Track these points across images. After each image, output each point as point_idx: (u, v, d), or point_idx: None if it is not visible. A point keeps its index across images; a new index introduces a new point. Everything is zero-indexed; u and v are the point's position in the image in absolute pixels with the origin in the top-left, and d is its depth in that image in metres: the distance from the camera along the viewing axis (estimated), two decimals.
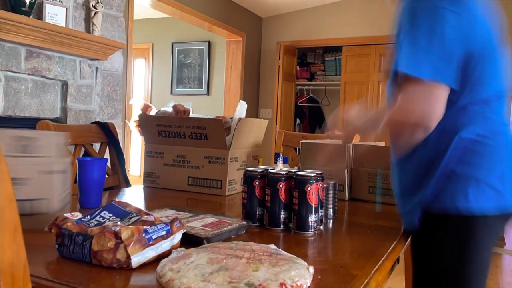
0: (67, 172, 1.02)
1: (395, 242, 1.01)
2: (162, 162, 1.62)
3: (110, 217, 0.85)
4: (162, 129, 1.61)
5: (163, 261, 0.72)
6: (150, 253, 0.75)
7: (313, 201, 1.02)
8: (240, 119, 1.54)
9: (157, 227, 0.76)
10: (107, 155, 1.77)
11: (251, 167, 1.15)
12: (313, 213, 1.02)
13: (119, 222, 0.81)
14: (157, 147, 1.64)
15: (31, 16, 2.39)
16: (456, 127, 1.04)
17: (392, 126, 1.07)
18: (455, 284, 1.06)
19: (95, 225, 0.79)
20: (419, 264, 1.13)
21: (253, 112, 5.22)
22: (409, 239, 1.14)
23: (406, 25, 1.01)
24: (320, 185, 1.05)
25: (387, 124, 1.07)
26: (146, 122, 1.64)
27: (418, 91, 0.99)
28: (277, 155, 1.58)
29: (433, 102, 0.98)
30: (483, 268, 1.08)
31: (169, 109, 1.68)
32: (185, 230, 0.83)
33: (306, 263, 0.72)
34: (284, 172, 1.06)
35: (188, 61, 5.63)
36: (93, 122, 1.81)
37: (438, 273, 1.08)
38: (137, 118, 1.68)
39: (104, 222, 0.82)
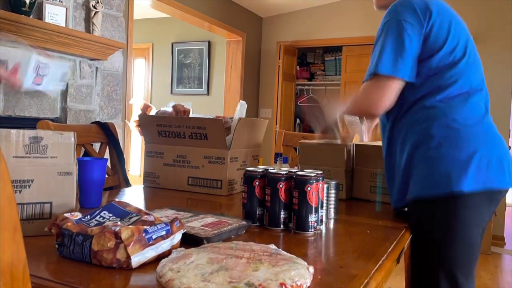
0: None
1: (395, 242, 1.01)
2: (162, 162, 1.62)
3: (110, 217, 0.85)
4: (162, 129, 1.61)
5: (163, 261, 0.72)
6: (150, 253, 0.75)
7: (313, 201, 1.02)
8: (240, 119, 1.54)
9: (157, 227, 0.76)
10: (107, 155, 1.77)
11: (251, 167, 1.15)
12: (313, 213, 1.02)
13: (119, 222, 0.81)
14: (157, 147, 1.64)
15: (31, 16, 2.39)
16: (429, 118, 1.19)
17: (350, 113, 1.33)
18: (445, 262, 1.16)
19: (95, 225, 0.79)
20: (414, 245, 1.22)
21: (253, 112, 5.22)
22: (409, 239, 1.14)
23: (379, 36, 1.23)
24: (320, 185, 1.05)
25: (347, 112, 1.32)
26: (146, 122, 1.64)
27: (373, 85, 1.22)
28: (277, 155, 1.59)
29: (385, 93, 1.20)
30: (472, 246, 1.18)
31: (169, 109, 1.68)
32: (185, 230, 0.83)
33: (306, 263, 0.72)
34: (284, 172, 1.06)
35: (188, 61, 5.63)
36: (93, 122, 1.81)
37: (429, 252, 1.18)
38: (137, 118, 1.68)
39: (104, 222, 0.82)
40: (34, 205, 0.90)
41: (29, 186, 0.89)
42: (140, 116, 1.66)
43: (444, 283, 1.15)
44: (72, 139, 0.96)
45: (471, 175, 1.12)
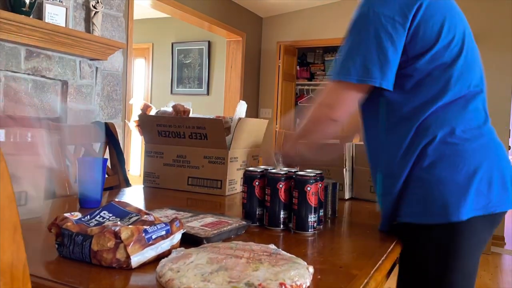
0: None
1: (395, 242, 1.00)
2: (162, 162, 1.62)
3: (110, 217, 0.85)
4: (162, 129, 1.61)
5: (163, 261, 0.72)
6: (149, 253, 0.75)
7: (312, 201, 1.02)
8: (240, 119, 1.54)
9: (157, 227, 0.77)
10: (107, 155, 1.77)
11: (251, 167, 1.15)
12: (312, 213, 1.02)
13: (119, 222, 0.81)
14: (157, 147, 1.64)
15: (31, 16, 2.38)
16: (421, 132, 1.02)
17: (309, 120, 1.14)
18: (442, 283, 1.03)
19: (95, 225, 0.79)
20: (405, 272, 1.10)
21: (253, 112, 5.22)
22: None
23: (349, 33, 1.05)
24: (320, 185, 1.05)
25: (308, 121, 1.14)
26: (146, 122, 1.64)
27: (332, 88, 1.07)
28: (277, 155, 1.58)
29: (340, 96, 1.06)
30: (470, 274, 1.05)
31: (169, 109, 1.68)
32: (185, 230, 0.83)
33: (305, 263, 0.72)
34: (284, 172, 1.06)
35: (188, 61, 5.63)
36: (93, 122, 1.81)
37: (425, 282, 1.05)
38: (137, 118, 1.68)
39: (104, 222, 0.82)
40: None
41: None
42: (140, 116, 1.66)
43: None
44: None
45: (471, 201, 0.97)
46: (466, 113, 1.03)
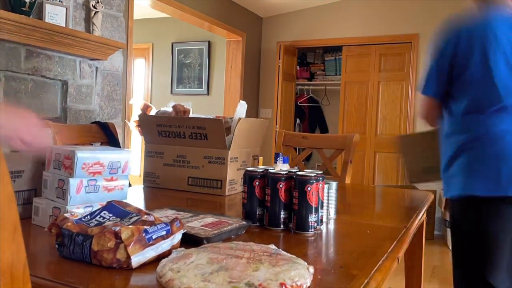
0: None
1: (395, 242, 1.00)
2: (162, 162, 1.62)
3: (110, 217, 0.85)
4: (162, 129, 1.61)
5: (163, 261, 0.72)
6: (150, 253, 0.75)
7: (313, 201, 1.02)
8: (240, 119, 1.54)
9: (157, 227, 0.76)
10: None
11: (251, 167, 1.15)
12: (313, 213, 1.02)
13: (119, 222, 0.81)
14: (157, 147, 1.64)
15: (31, 16, 2.38)
16: (460, 131, 1.38)
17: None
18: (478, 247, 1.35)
19: (95, 225, 0.79)
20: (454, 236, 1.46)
21: (253, 112, 5.21)
22: (409, 239, 1.14)
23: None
24: (320, 185, 1.05)
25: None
26: (146, 122, 1.64)
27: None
28: (277, 155, 1.58)
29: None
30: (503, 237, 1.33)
31: (169, 109, 1.68)
32: (185, 230, 0.83)
33: (306, 263, 0.72)
34: (284, 172, 1.06)
35: (188, 61, 5.63)
36: (93, 122, 1.81)
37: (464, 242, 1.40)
38: (137, 118, 1.68)
39: (104, 222, 0.82)
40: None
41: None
42: (140, 116, 1.66)
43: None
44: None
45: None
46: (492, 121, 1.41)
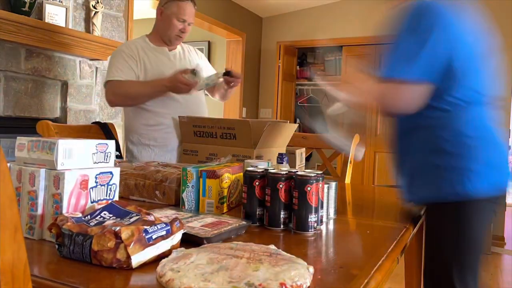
0: None
1: (395, 242, 1.00)
2: (196, 160, 1.74)
3: (110, 217, 0.85)
4: (198, 130, 1.73)
5: (163, 261, 0.72)
6: (150, 253, 0.75)
7: (313, 201, 1.02)
8: (269, 123, 1.61)
9: (157, 227, 0.77)
10: None
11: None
12: (313, 213, 1.03)
13: (119, 222, 0.81)
14: (193, 146, 1.76)
15: (31, 16, 2.39)
16: (435, 127, 1.25)
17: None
18: (455, 253, 1.26)
19: (95, 225, 0.79)
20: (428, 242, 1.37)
21: (253, 112, 5.22)
22: (409, 239, 1.14)
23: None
24: (320, 185, 1.05)
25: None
26: (184, 124, 1.76)
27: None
28: (281, 155, 1.59)
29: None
30: (478, 243, 1.27)
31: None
32: (185, 230, 0.83)
33: (306, 263, 0.72)
34: (284, 172, 1.06)
35: None
36: (93, 122, 1.81)
37: (442, 248, 1.29)
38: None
39: (104, 222, 0.82)
40: None
41: None
42: (180, 117, 1.77)
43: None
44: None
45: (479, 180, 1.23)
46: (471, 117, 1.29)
